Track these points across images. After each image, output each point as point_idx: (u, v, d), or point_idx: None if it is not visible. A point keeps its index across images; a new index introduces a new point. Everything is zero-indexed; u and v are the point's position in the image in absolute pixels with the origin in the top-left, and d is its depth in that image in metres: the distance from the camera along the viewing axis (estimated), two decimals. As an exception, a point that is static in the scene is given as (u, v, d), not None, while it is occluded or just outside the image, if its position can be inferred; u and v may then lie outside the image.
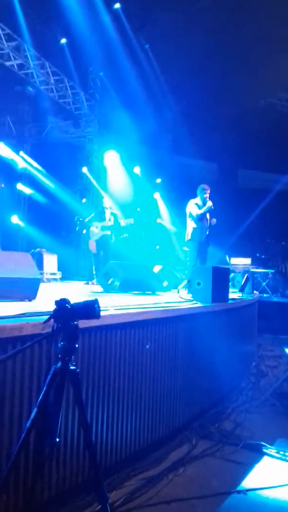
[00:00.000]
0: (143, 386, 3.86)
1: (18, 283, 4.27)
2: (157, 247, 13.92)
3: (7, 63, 12.12)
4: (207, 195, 7.80)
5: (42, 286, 4.66)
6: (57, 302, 2.06)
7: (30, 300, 4.40)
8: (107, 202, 10.33)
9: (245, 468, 3.86)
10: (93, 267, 10.76)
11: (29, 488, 2.52)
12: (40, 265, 10.16)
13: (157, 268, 8.79)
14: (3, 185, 10.73)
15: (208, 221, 7.74)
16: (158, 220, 15.13)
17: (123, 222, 9.94)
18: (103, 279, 7.06)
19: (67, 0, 11.18)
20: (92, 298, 2.16)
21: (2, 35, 11.32)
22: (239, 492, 3.43)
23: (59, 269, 11.45)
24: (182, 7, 12.11)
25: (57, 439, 2.01)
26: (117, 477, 3.39)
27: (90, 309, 2.07)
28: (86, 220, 10.14)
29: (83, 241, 13.66)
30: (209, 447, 4.20)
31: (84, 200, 14.98)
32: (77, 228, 11.53)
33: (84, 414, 2.19)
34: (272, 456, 4.06)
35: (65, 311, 2.04)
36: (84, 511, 2.90)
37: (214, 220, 7.70)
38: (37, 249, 11.24)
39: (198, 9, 11.93)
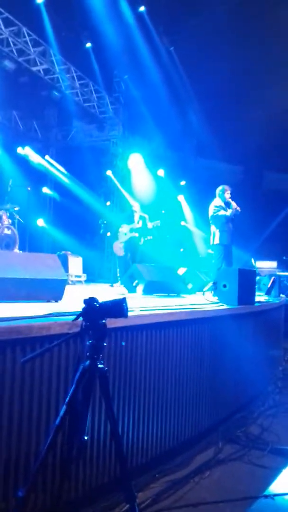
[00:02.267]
0: (168, 387, 3.84)
1: (45, 284, 4.32)
2: (181, 249, 13.88)
3: (34, 68, 12.31)
4: (229, 195, 7.68)
5: (67, 288, 4.69)
6: (85, 301, 2.07)
7: (56, 301, 4.44)
8: (135, 205, 10.40)
9: (272, 472, 3.80)
10: (118, 270, 10.82)
11: (57, 487, 2.53)
12: (65, 267, 10.24)
13: (182, 271, 8.76)
14: (29, 188, 10.90)
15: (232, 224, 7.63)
16: (183, 223, 15.09)
17: (150, 224, 9.99)
18: (128, 281, 7.07)
19: (92, 5, 11.29)
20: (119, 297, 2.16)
21: (28, 41, 11.51)
22: (266, 496, 3.38)
23: (84, 272, 11.52)
24: (207, 10, 12.07)
25: (86, 437, 2.01)
26: (143, 479, 3.38)
27: (118, 307, 2.08)
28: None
29: (108, 243, 13.73)
30: (235, 451, 4.16)
31: (108, 203, 15.06)
32: (101, 231, 11.62)
33: (112, 412, 2.19)
34: (300, 462, 3.99)
35: (93, 310, 2.05)
36: (111, 511, 2.90)
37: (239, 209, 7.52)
38: (62, 252, 11.34)
39: (223, 11, 11.87)
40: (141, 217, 10.11)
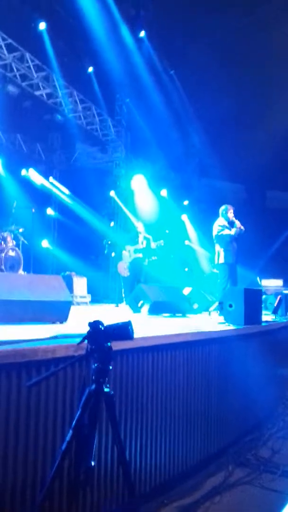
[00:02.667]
0: (176, 410, 3.78)
1: (50, 305, 4.31)
2: (186, 269, 13.85)
3: (37, 93, 12.51)
4: (232, 214, 7.68)
5: (72, 309, 4.67)
6: (90, 324, 2.05)
7: (61, 323, 4.42)
8: (139, 226, 10.47)
9: (284, 496, 3.70)
10: (122, 290, 10.80)
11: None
12: (70, 288, 10.22)
13: (187, 290, 8.72)
14: (33, 210, 10.96)
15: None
16: (187, 242, 15.09)
17: (153, 245, 10.02)
18: (133, 302, 7.03)
19: (93, 30, 11.53)
20: (125, 320, 2.14)
21: (31, 66, 11.72)
22: (279, 522, 3.28)
23: (88, 292, 11.49)
24: (208, 34, 12.31)
25: (93, 463, 1.96)
26: (152, 505, 3.30)
27: (123, 330, 2.05)
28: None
29: (112, 263, 13.72)
30: (246, 474, 4.06)
31: (112, 224, 15.11)
32: (105, 251, 11.62)
33: (119, 437, 2.15)
34: (312, 485, 3.88)
35: (98, 333, 2.03)
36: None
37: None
38: (67, 272, 11.34)
39: (224, 34, 12.10)
40: (145, 238, 10.16)
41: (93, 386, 2.02)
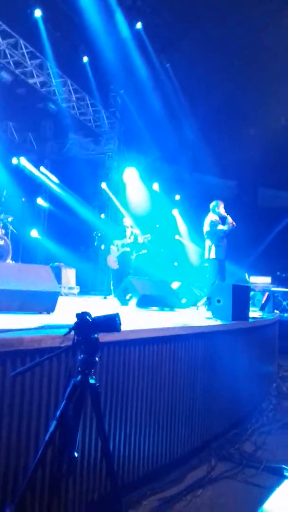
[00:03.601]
0: (161, 403, 3.78)
1: (38, 295, 4.28)
2: (175, 263, 13.86)
3: (30, 81, 12.38)
4: (223, 210, 7.69)
5: (60, 300, 4.65)
6: (78, 315, 2.03)
7: (48, 313, 4.39)
8: (127, 221, 10.49)
9: (266, 491, 3.73)
10: (111, 282, 10.81)
11: (46, 503, 2.46)
12: (58, 279, 10.18)
13: (175, 285, 8.73)
14: (23, 199, 10.87)
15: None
16: (177, 237, 15.09)
17: (140, 239, 10.05)
18: (121, 294, 7.02)
19: (89, 20, 11.41)
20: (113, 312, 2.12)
21: (25, 53, 11.59)
22: (260, 516, 3.30)
23: (77, 283, 11.46)
24: (204, 27, 12.25)
25: (76, 454, 1.95)
26: (135, 496, 3.31)
27: (111, 322, 2.04)
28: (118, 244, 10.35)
29: (101, 256, 13.70)
30: (228, 469, 4.08)
31: (103, 216, 15.06)
32: (95, 243, 11.59)
33: (103, 428, 2.14)
34: (294, 480, 3.92)
35: (86, 324, 2.01)
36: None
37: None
38: (56, 263, 11.29)
39: (220, 28, 12.05)
40: (132, 233, 10.21)
41: (79, 377, 2.01)
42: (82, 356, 2.02)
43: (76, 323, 2.00)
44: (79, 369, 2.02)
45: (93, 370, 2.04)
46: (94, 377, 2.06)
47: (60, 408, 1.97)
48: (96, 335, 2.03)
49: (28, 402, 2.58)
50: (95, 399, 2.07)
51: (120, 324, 2.04)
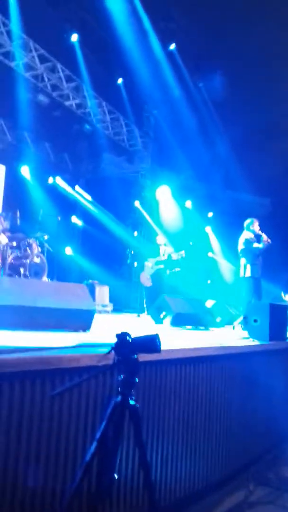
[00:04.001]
0: (197, 424, 3.73)
1: (74, 313, 4.32)
2: (209, 281, 13.75)
3: (67, 103, 12.71)
4: (258, 227, 7.62)
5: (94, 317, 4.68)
6: (118, 335, 2.04)
7: (84, 331, 4.42)
8: (160, 239, 10.53)
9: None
10: (144, 300, 10.82)
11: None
12: (92, 296, 10.25)
13: (210, 303, 8.65)
14: (59, 218, 11.07)
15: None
16: (210, 254, 15.01)
17: (175, 256, 10.05)
18: (155, 313, 7.00)
19: (123, 42, 11.67)
20: (152, 332, 2.12)
21: (62, 76, 11.93)
22: None
23: (110, 301, 11.51)
24: (234, 46, 12.34)
25: (116, 475, 1.94)
26: (170, 521, 3.25)
27: (151, 343, 2.04)
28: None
29: (134, 273, 13.74)
30: (267, 493, 3.97)
31: (136, 233, 15.15)
32: (128, 261, 11.66)
33: (144, 451, 2.12)
34: None
35: (126, 344, 2.01)
36: None
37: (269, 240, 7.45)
38: (90, 281, 11.39)
39: (252, 47, 12.10)
40: (166, 251, 10.26)
41: (119, 398, 2.01)
42: (122, 376, 2.02)
43: (116, 343, 2.01)
44: (119, 389, 2.02)
45: (133, 391, 2.04)
46: (134, 398, 2.06)
47: (101, 429, 1.96)
48: (136, 356, 2.03)
49: (67, 421, 2.59)
50: (135, 420, 2.06)
51: (160, 345, 2.04)
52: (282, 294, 12.61)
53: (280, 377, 5.38)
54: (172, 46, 12.91)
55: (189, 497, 3.55)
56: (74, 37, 11.61)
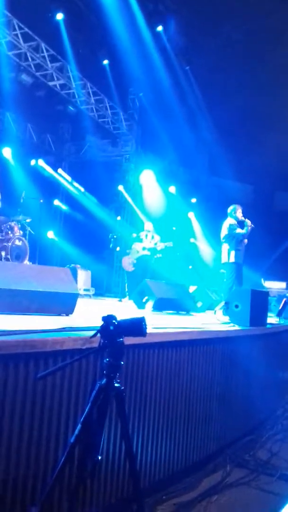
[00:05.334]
0: (178, 407, 3.79)
1: (57, 297, 4.31)
2: (190, 267, 13.84)
3: (50, 83, 12.47)
4: (240, 214, 7.68)
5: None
6: (104, 318, 2.04)
7: (67, 315, 4.42)
8: (149, 225, 10.53)
9: (281, 499, 3.71)
10: (126, 285, 10.86)
11: (67, 506, 2.48)
12: (74, 280, 10.25)
13: (192, 288, 8.72)
14: (41, 200, 10.96)
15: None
16: (192, 240, 15.07)
17: (161, 245, 10.08)
18: (138, 297, 7.03)
19: (110, 23, 11.46)
20: (138, 315, 2.14)
21: (46, 56, 11.68)
22: (275, 525, 3.29)
23: (92, 285, 11.51)
24: (224, 31, 12.24)
25: (99, 457, 1.97)
26: (150, 500, 3.31)
27: (137, 326, 2.05)
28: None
29: (117, 258, 13.74)
30: (243, 475, 4.07)
31: (119, 218, 15.11)
32: (111, 245, 11.64)
33: (128, 432, 2.15)
34: (310, 489, 3.89)
35: (112, 327, 2.02)
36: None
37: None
38: (72, 265, 11.35)
39: (241, 32, 12.03)
40: (153, 237, 10.27)
41: (104, 381, 2.02)
42: (107, 359, 2.04)
43: (102, 326, 2.02)
44: (105, 372, 2.04)
45: (118, 374, 2.06)
46: (119, 380, 2.07)
47: (86, 411, 1.98)
48: (121, 339, 2.04)
49: (50, 404, 2.61)
50: (120, 402, 2.09)
51: (146, 328, 2.05)
52: (262, 280, 12.78)
53: (260, 362, 5.48)
54: (160, 28, 12.71)
55: (168, 478, 3.62)
56: (59, 16, 11.34)
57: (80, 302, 5.41)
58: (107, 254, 14.44)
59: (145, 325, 2.05)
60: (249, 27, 12.07)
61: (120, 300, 9.99)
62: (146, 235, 10.33)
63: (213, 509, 3.46)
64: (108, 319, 2.02)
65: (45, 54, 11.61)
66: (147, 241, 10.26)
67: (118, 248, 11.81)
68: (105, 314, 2.07)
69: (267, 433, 5.22)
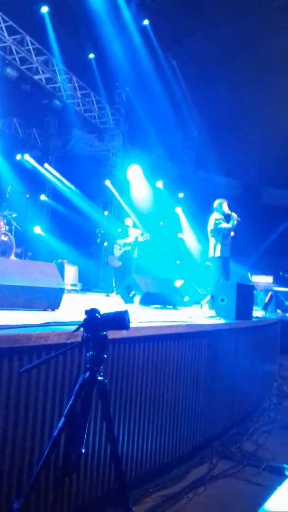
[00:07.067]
0: (165, 400, 3.80)
1: (42, 292, 4.29)
2: (178, 261, 13.87)
3: (36, 77, 12.37)
4: (227, 208, 7.71)
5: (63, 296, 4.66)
6: (87, 312, 2.04)
7: (53, 310, 4.40)
8: (128, 221, 10.55)
9: (267, 490, 3.74)
10: (113, 280, 10.88)
11: (52, 499, 2.48)
12: (61, 276, 10.21)
13: (178, 283, 8.74)
14: (27, 196, 10.87)
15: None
16: (179, 235, 15.10)
17: (140, 238, 10.12)
18: (125, 292, 7.03)
19: (96, 16, 11.38)
20: (121, 309, 2.14)
21: (31, 50, 11.58)
22: (260, 515, 3.32)
23: (79, 281, 11.48)
24: (211, 26, 12.23)
25: (83, 450, 1.97)
26: (137, 493, 3.32)
27: (120, 319, 2.05)
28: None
29: (104, 253, 13.73)
30: (230, 467, 4.09)
31: (106, 213, 15.07)
32: (98, 240, 11.63)
33: (111, 425, 2.15)
34: (295, 480, 3.94)
35: (95, 321, 2.02)
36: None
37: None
38: (59, 260, 11.31)
39: (226, 27, 12.03)
40: (133, 232, 10.34)
41: (87, 374, 2.02)
42: (90, 353, 2.03)
43: (85, 320, 2.01)
44: (88, 365, 2.03)
45: (101, 367, 2.06)
46: (102, 374, 2.07)
47: (69, 405, 1.98)
48: (105, 332, 2.04)
49: (34, 398, 2.60)
50: (104, 395, 2.09)
51: (129, 321, 2.05)
52: (249, 274, 12.86)
53: (245, 355, 5.52)
54: (146, 22, 12.65)
55: (155, 471, 3.64)
56: (44, 9, 11.24)
57: (67, 297, 5.41)
58: (95, 249, 14.42)
59: (128, 318, 2.05)
60: (236, 22, 12.09)
61: (108, 295, 9.99)
62: (127, 231, 10.40)
63: (199, 500, 3.48)
64: (91, 313, 2.02)
65: (30, 47, 11.51)
66: (128, 237, 10.34)
67: (105, 243, 11.80)
68: (89, 308, 2.07)
69: (253, 425, 5.26)
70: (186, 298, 8.42)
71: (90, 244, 14.38)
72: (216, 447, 4.44)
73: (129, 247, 10.26)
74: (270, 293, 7.93)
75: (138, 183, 15.34)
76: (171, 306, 7.06)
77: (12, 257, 9.28)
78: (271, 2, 11.78)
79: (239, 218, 7.46)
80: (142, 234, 10.23)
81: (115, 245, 10.55)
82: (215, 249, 7.48)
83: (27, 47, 11.46)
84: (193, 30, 12.75)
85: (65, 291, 9.88)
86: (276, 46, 12.25)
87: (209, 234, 7.65)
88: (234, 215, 7.52)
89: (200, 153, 16.38)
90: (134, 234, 10.26)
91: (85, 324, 2.01)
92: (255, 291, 8.99)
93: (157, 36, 13.07)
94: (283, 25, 11.87)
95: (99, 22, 11.45)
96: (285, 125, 14.62)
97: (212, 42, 12.60)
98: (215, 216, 7.64)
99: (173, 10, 12.50)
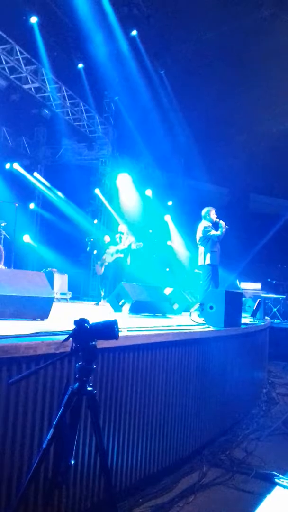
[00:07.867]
0: (154, 410, 3.81)
1: (32, 302, 4.28)
2: (167, 269, 13.91)
3: (25, 86, 12.41)
4: (215, 215, 7.78)
5: (53, 306, 4.65)
6: (76, 322, 2.05)
7: (42, 319, 4.39)
8: (122, 227, 10.58)
9: (257, 498, 3.76)
10: (101, 289, 10.91)
11: (42, 510, 2.47)
12: (51, 284, 10.18)
13: (168, 291, 8.76)
14: (16, 204, 10.85)
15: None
16: (169, 243, 15.15)
17: (134, 246, 10.15)
18: (114, 300, 7.04)
19: (85, 27, 11.48)
20: (110, 319, 2.15)
21: (21, 59, 11.62)
22: (251, 523, 3.34)
23: (69, 289, 11.46)
24: (197, 36, 12.39)
25: (72, 461, 1.97)
26: (127, 503, 3.32)
27: (109, 329, 2.06)
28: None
29: (94, 261, 13.73)
30: (219, 475, 4.10)
31: (95, 221, 15.09)
32: (88, 248, 11.63)
33: (101, 436, 2.15)
34: (285, 487, 3.95)
35: (84, 331, 2.03)
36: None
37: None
38: (48, 269, 11.28)
39: (213, 37, 12.20)
40: (127, 239, 10.34)
41: (76, 385, 2.03)
42: (79, 363, 2.04)
43: (74, 330, 2.02)
44: (77, 376, 2.04)
45: (90, 378, 2.07)
46: (91, 384, 2.08)
47: (58, 416, 1.98)
48: (94, 342, 2.05)
49: (23, 409, 2.59)
50: (93, 406, 2.09)
51: (118, 331, 2.07)
52: (237, 281, 12.93)
53: (234, 362, 5.55)
54: (134, 32, 12.78)
55: (145, 480, 3.64)
56: (34, 19, 11.30)
57: (56, 306, 5.40)
58: (84, 257, 14.41)
59: (117, 328, 2.07)
60: (223, 30, 12.25)
61: (97, 304, 9.98)
62: (120, 237, 10.40)
63: (190, 509, 3.48)
64: (80, 323, 2.03)
65: (20, 57, 11.55)
66: (121, 244, 10.34)
67: (95, 252, 11.81)
68: (78, 318, 2.08)
69: (242, 432, 5.28)
70: (176, 306, 8.45)
71: (80, 253, 14.38)
72: (206, 455, 4.44)
73: (121, 255, 10.27)
74: (258, 300, 7.98)
75: (127, 191, 15.40)
76: (161, 314, 7.08)
77: (1, 266, 9.24)
78: (256, 12, 11.99)
79: (227, 226, 7.53)
80: (135, 242, 10.29)
81: (107, 250, 10.56)
82: (204, 257, 7.53)
83: (16, 57, 11.50)
84: (180, 39, 12.91)
85: (55, 300, 9.88)
86: (260, 54, 12.42)
87: (198, 242, 7.70)
88: (222, 223, 7.58)
89: (188, 161, 16.51)
90: (128, 241, 10.28)
91: (74, 334, 2.02)
92: (243, 298, 9.06)
93: (145, 46, 13.20)
94: (267, 34, 12.06)
95: (88, 32, 11.55)
96: (272, 133, 14.81)
97: (200, 51, 12.76)
98: (203, 224, 7.70)
99: (161, 20, 12.65)
